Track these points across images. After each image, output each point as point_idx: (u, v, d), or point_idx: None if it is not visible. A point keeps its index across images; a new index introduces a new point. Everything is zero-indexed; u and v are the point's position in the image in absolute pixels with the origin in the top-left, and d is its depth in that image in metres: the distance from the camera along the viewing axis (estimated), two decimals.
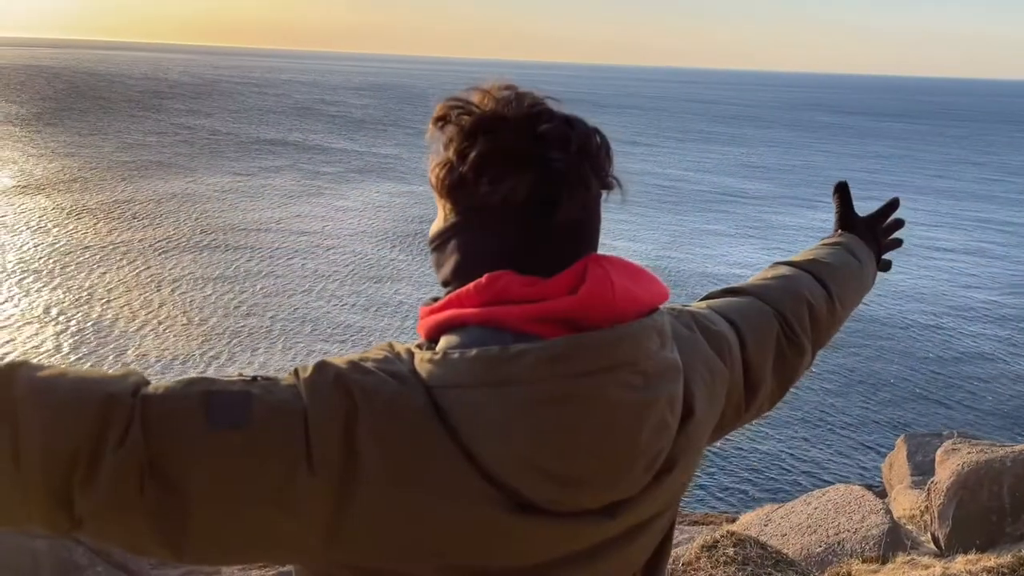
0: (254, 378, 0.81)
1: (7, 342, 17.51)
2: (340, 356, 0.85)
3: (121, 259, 23.70)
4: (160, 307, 19.98)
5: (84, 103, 71.06)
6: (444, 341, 0.84)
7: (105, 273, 22.40)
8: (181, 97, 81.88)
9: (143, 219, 29.08)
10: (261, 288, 21.88)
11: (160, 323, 18.91)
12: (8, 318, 18.86)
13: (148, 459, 0.74)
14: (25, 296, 20.46)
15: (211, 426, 0.76)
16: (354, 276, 23.28)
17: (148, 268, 23.08)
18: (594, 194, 0.87)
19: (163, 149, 45.75)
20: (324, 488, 0.76)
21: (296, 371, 0.82)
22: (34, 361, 0.80)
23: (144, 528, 0.76)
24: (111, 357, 16.84)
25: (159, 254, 24.57)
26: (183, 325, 18.92)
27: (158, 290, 21.30)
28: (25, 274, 22.02)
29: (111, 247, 25.07)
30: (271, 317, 19.74)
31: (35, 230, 26.92)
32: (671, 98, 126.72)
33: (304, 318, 19.72)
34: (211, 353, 17.45)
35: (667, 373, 0.85)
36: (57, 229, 27.02)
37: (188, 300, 20.67)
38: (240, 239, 26.79)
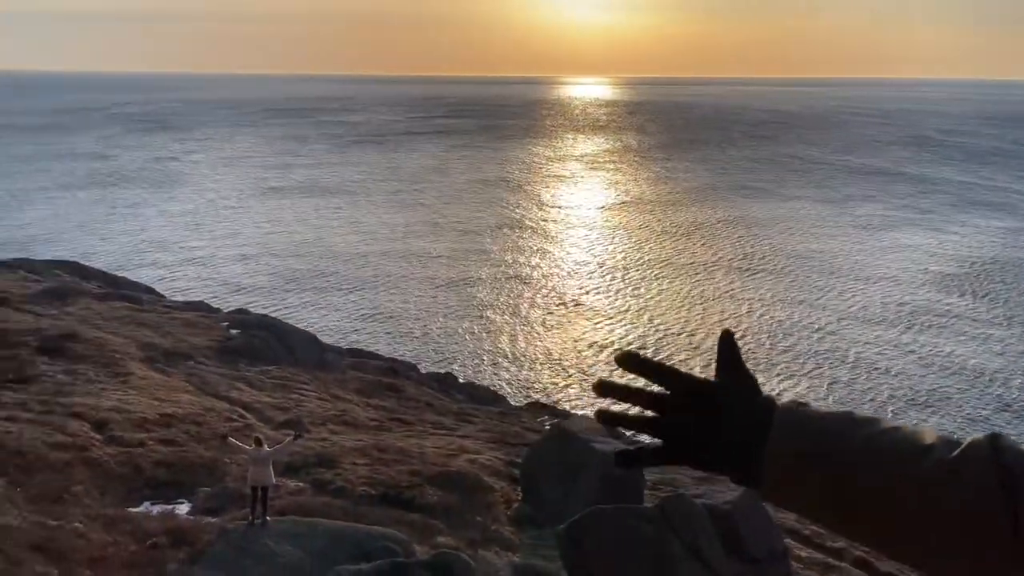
0: None
1: (609, 332, 20.67)
2: None
3: (697, 274, 25.68)
4: (738, 324, 21.13)
5: (706, 134, 77.87)
6: None
7: (697, 283, 24.56)
8: (796, 128, 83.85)
9: (724, 239, 30.95)
10: (828, 315, 21.60)
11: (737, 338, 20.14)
12: (610, 314, 22.19)
13: None
14: (617, 296, 23.72)
15: None
16: (915, 318, 21.37)
17: (732, 286, 24.49)
18: None
19: (763, 175, 47.75)
20: None
21: None
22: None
23: None
24: (683, 358, 18.53)
25: (743, 272, 25.88)
26: (755, 344, 19.71)
27: (734, 306, 22.48)
28: (623, 280, 25.49)
29: (693, 264, 27.31)
30: (842, 339, 19.43)
31: (632, 242, 30.82)
32: None
33: (867, 362, 18.89)
34: (782, 375, 17.95)
35: None
36: (651, 244, 30.48)
37: (764, 320, 21.40)
38: (814, 265, 26.68)
